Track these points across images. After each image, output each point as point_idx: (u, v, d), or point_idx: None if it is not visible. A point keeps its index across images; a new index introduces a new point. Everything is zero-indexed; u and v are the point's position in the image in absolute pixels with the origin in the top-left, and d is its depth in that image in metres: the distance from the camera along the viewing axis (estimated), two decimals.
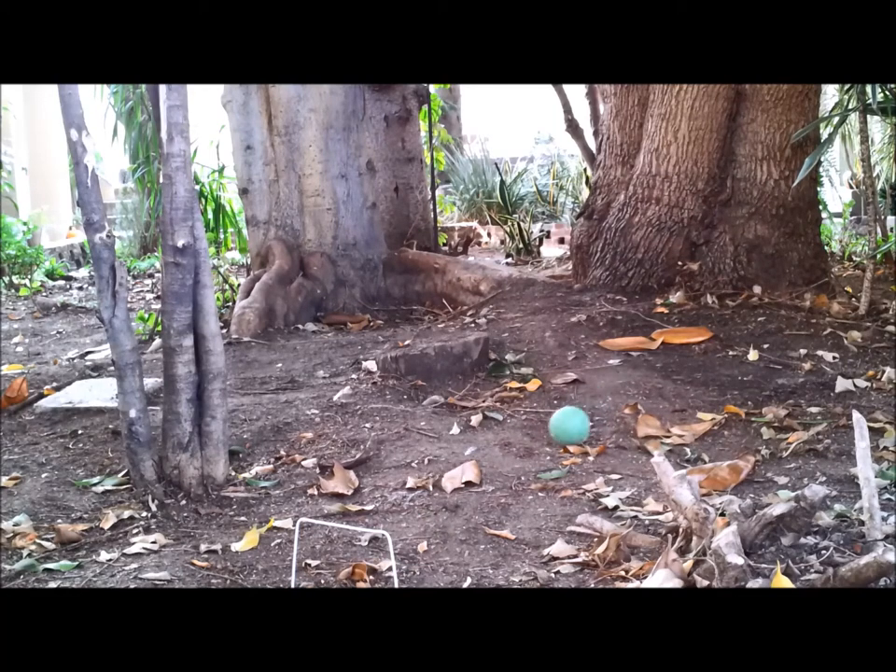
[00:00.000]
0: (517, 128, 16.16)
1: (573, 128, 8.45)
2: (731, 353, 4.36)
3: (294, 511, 2.89)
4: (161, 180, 2.98)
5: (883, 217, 6.81)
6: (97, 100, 8.75)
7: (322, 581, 2.38)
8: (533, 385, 3.98)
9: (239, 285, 6.24)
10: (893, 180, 8.05)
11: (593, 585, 2.30)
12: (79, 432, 3.62)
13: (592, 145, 7.90)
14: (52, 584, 2.40)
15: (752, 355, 4.28)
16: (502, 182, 11.09)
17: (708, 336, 4.57)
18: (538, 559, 2.48)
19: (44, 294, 7.90)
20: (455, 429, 3.53)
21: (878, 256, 5.93)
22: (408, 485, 3.02)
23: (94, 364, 4.80)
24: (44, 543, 2.65)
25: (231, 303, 6.12)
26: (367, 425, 3.57)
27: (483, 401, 3.83)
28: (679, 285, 5.35)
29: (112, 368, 2.99)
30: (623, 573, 2.32)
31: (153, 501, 2.90)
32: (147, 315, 5.87)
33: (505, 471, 3.13)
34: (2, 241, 8.05)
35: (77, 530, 2.74)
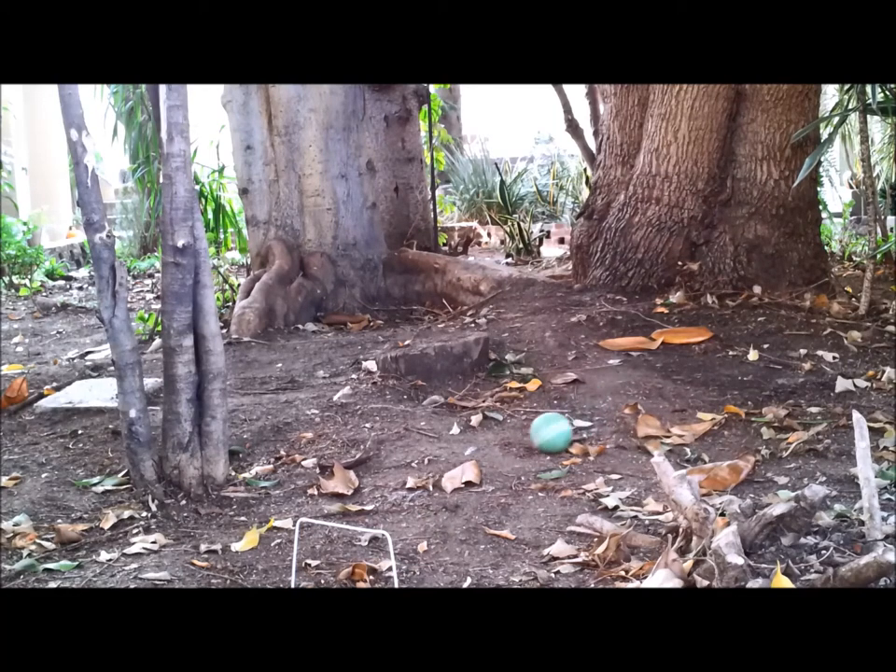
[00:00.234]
0: (517, 128, 16.16)
1: (573, 128, 8.45)
2: (731, 353, 4.36)
3: (294, 510, 2.89)
4: (161, 180, 2.98)
5: (883, 216, 6.81)
6: (97, 100, 8.75)
7: (322, 581, 2.38)
8: (533, 385, 3.98)
9: (239, 285, 6.24)
10: (893, 180, 8.05)
11: (593, 585, 2.30)
12: (79, 432, 3.62)
13: (592, 145, 7.90)
14: (52, 584, 2.40)
15: (752, 355, 4.28)
16: (502, 182, 11.09)
17: (708, 336, 4.57)
18: (538, 559, 2.48)
19: (44, 294, 7.90)
20: (455, 429, 3.53)
21: (878, 256, 5.93)
22: (408, 485, 3.02)
23: (94, 364, 4.80)
24: (44, 543, 2.65)
25: (231, 303, 6.12)
26: (367, 425, 3.57)
27: (483, 401, 3.83)
28: (679, 285, 5.35)
29: (112, 368, 2.99)
30: (623, 573, 2.32)
31: (153, 501, 2.90)
32: (146, 315, 5.87)
33: (505, 471, 3.13)
34: (2, 241, 8.05)
35: (77, 530, 2.74)
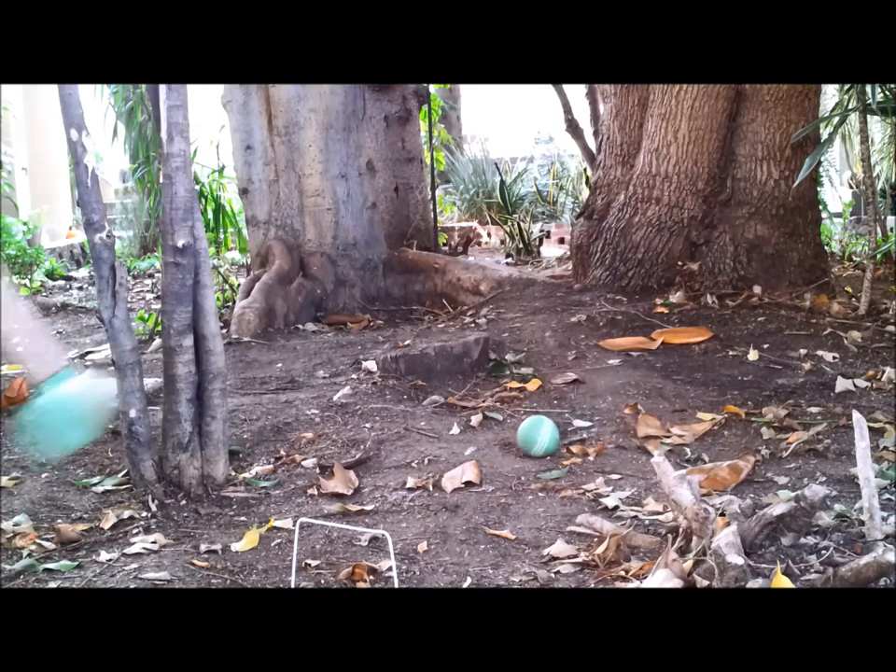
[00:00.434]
0: (517, 128, 16.17)
1: (573, 128, 8.45)
2: (731, 353, 4.36)
3: (294, 510, 2.89)
4: (161, 180, 2.98)
5: (883, 216, 6.81)
6: (97, 100, 8.75)
7: (322, 581, 2.38)
8: (533, 385, 3.98)
9: (239, 285, 6.24)
10: (893, 180, 8.05)
11: (593, 585, 2.30)
12: None
13: (592, 145, 7.90)
14: (52, 584, 2.40)
15: (752, 355, 4.28)
16: (502, 182, 11.09)
17: (708, 336, 4.57)
18: (538, 559, 2.48)
19: (44, 294, 7.90)
20: (455, 429, 3.53)
21: (878, 256, 5.93)
22: (408, 485, 3.02)
23: (94, 364, 4.80)
24: (44, 543, 2.65)
25: (230, 303, 6.12)
26: (367, 425, 3.57)
27: (483, 401, 3.83)
28: (679, 285, 5.35)
29: (112, 368, 2.99)
30: (623, 573, 2.32)
31: (153, 501, 2.90)
32: (146, 315, 5.87)
33: (505, 471, 3.13)
34: (2, 241, 8.05)
35: (77, 530, 2.74)
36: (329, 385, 4.10)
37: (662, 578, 2.10)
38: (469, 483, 3.02)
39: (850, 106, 5.43)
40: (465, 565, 2.45)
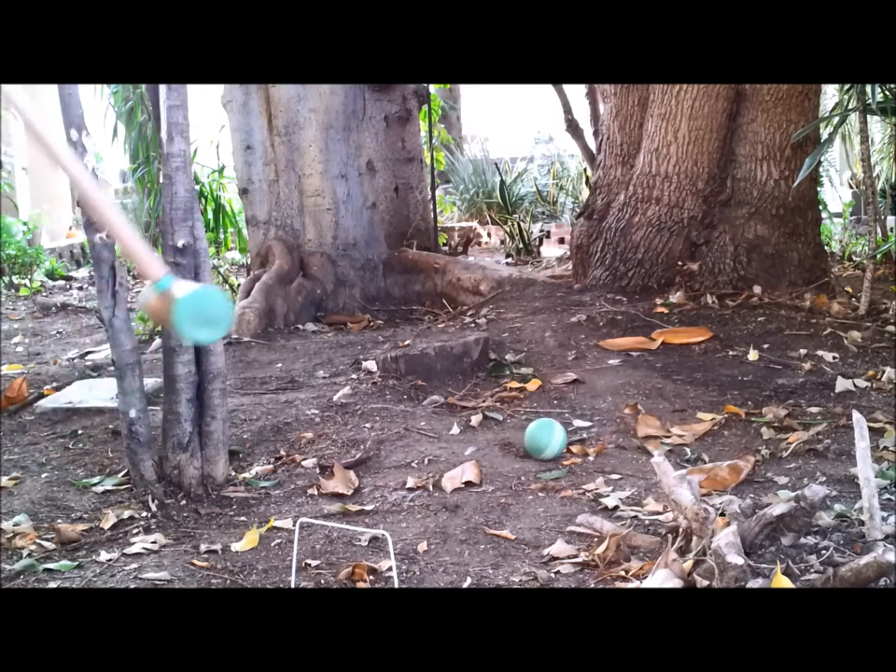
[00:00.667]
0: (517, 128, 16.18)
1: (573, 128, 8.45)
2: (731, 353, 4.36)
3: (294, 511, 2.89)
4: (161, 180, 2.98)
5: (883, 216, 6.81)
6: (97, 100, 8.74)
7: (322, 581, 2.38)
8: (533, 385, 3.99)
9: (239, 285, 6.24)
10: (893, 180, 8.05)
11: (593, 585, 2.30)
12: (79, 432, 3.62)
13: (592, 145, 7.90)
14: (52, 584, 2.40)
15: (752, 355, 4.28)
16: (502, 182, 11.09)
17: (708, 336, 4.57)
18: (538, 559, 2.47)
19: (44, 294, 7.90)
20: (455, 429, 3.53)
21: (878, 256, 5.93)
22: (408, 485, 3.02)
23: (94, 364, 4.80)
24: (44, 543, 2.65)
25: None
26: (367, 425, 3.57)
27: (483, 401, 3.83)
28: (679, 285, 5.35)
29: (112, 368, 2.99)
30: (623, 573, 2.32)
31: (153, 501, 2.90)
32: (147, 315, 5.86)
33: (505, 471, 3.13)
34: (2, 241, 8.05)
35: (77, 530, 2.74)
36: (329, 385, 4.10)
37: (662, 578, 2.10)
38: (468, 483, 3.02)
39: (850, 106, 5.43)
40: (465, 565, 2.45)
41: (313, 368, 4.46)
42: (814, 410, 3.59)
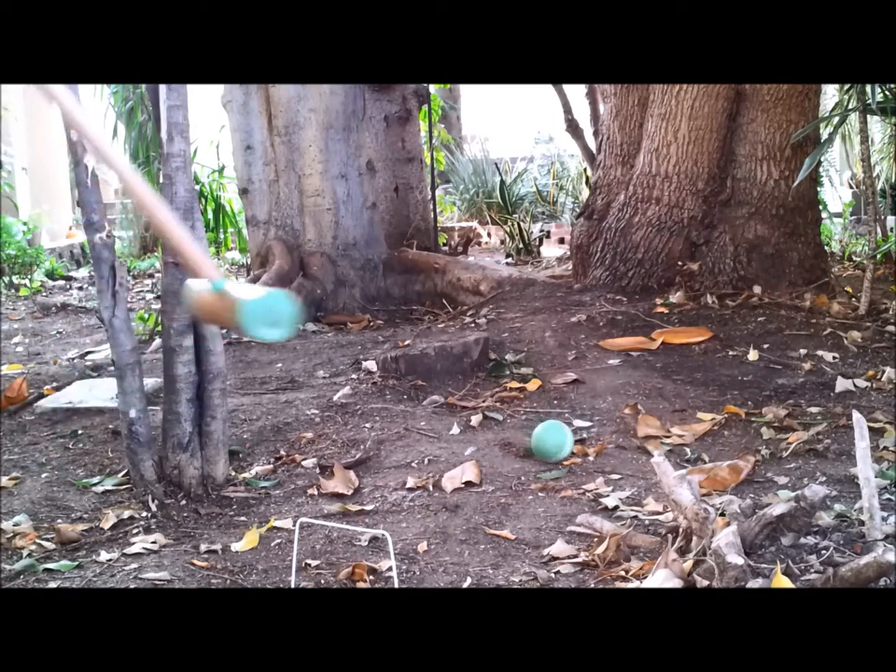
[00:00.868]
0: (517, 128, 16.17)
1: (573, 128, 8.45)
2: (731, 353, 4.36)
3: (294, 511, 2.89)
4: (161, 180, 2.98)
5: (883, 216, 6.81)
6: (97, 100, 8.75)
7: (322, 581, 2.38)
8: (533, 385, 3.99)
9: None
10: (893, 180, 8.05)
11: (593, 585, 2.30)
12: (79, 432, 3.62)
13: (592, 145, 7.90)
14: (52, 584, 2.40)
15: (752, 355, 4.28)
16: (502, 182, 11.09)
17: (708, 336, 4.57)
18: (538, 559, 2.47)
19: (44, 294, 7.90)
20: (455, 429, 3.53)
21: (878, 256, 5.93)
22: (408, 485, 3.02)
23: (94, 364, 4.80)
24: (44, 543, 2.65)
25: None
26: (367, 425, 3.57)
27: (483, 401, 3.83)
28: (679, 285, 5.35)
29: (112, 368, 2.99)
30: (623, 573, 2.32)
31: (153, 501, 2.90)
32: (146, 315, 5.87)
33: (505, 471, 3.13)
34: (2, 241, 8.05)
35: (77, 530, 2.74)
36: (329, 385, 4.10)
37: (662, 578, 2.10)
38: (469, 483, 3.02)
39: (850, 106, 5.43)
40: (465, 565, 2.45)
41: (313, 368, 4.46)
42: (814, 410, 3.59)
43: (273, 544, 2.64)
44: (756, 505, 2.40)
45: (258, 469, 3.23)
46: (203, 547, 2.61)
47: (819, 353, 4.26)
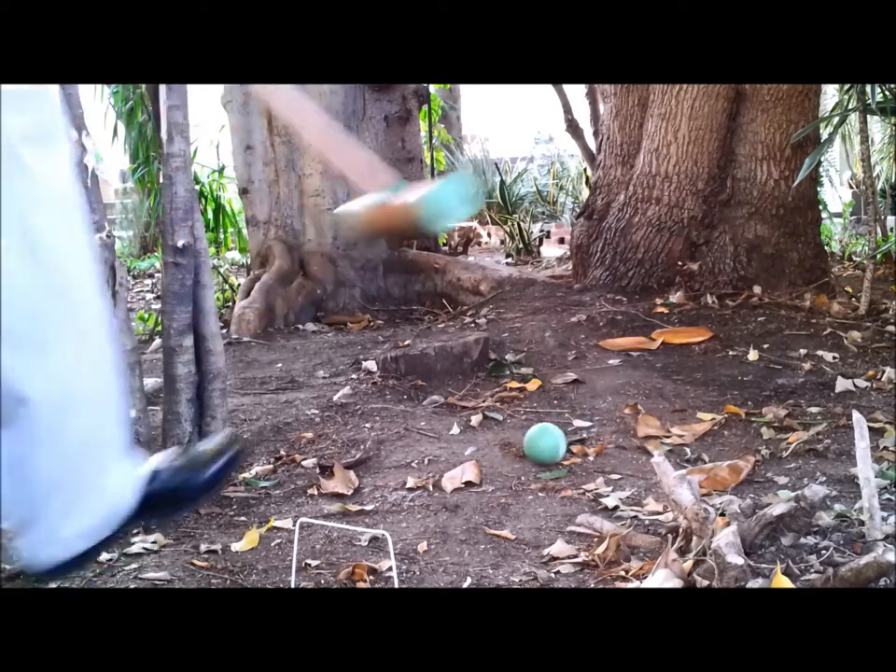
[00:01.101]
0: (517, 128, 16.18)
1: (573, 128, 8.45)
2: (731, 353, 4.36)
3: (294, 511, 2.89)
4: (161, 180, 2.98)
5: (883, 216, 6.81)
6: (97, 100, 8.74)
7: (322, 581, 2.38)
8: (533, 385, 3.99)
9: (239, 285, 6.24)
10: (893, 180, 8.05)
11: (593, 585, 2.30)
12: None
13: (592, 145, 7.90)
14: (52, 584, 2.40)
15: (752, 355, 4.28)
16: (502, 182, 11.09)
17: (708, 336, 4.57)
18: (538, 559, 2.47)
19: None
20: (455, 429, 3.53)
21: (878, 256, 5.93)
22: (408, 485, 3.02)
23: None
24: None
25: (230, 303, 6.12)
26: (367, 425, 3.57)
27: (483, 401, 3.83)
28: (679, 285, 5.35)
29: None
30: (623, 573, 2.32)
31: None
32: (146, 315, 5.87)
33: (505, 471, 3.13)
34: None
35: None
36: (329, 385, 4.10)
37: (662, 578, 2.10)
38: (469, 483, 3.02)
39: (850, 106, 5.43)
40: (465, 565, 2.45)
41: (313, 368, 4.46)
42: (814, 410, 3.59)
43: (273, 544, 2.64)
44: (756, 505, 2.40)
45: (258, 469, 3.23)
46: (202, 547, 2.61)
47: (819, 353, 4.26)
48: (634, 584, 2.23)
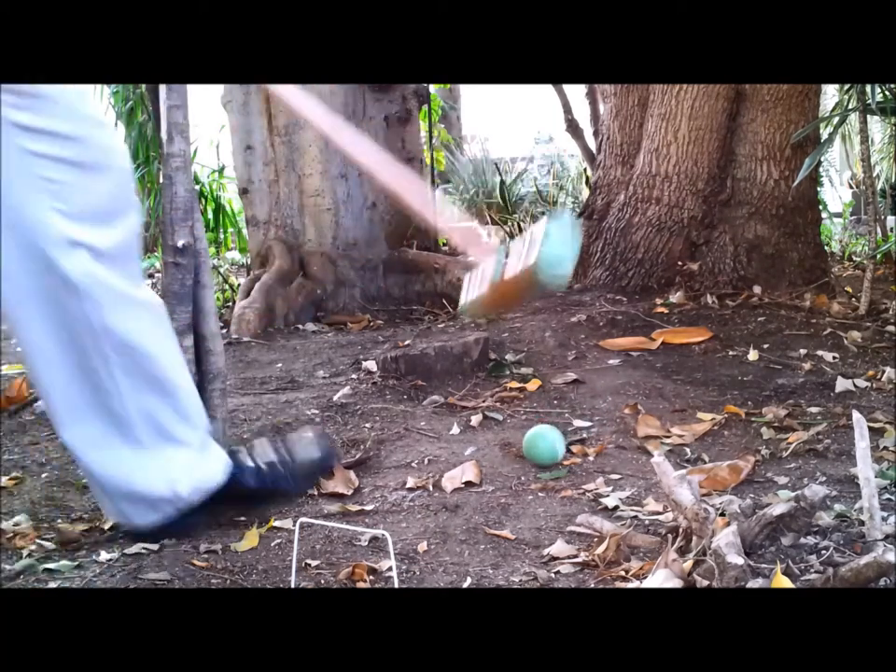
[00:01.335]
0: (517, 128, 16.18)
1: (573, 128, 8.44)
2: (731, 353, 4.36)
3: (294, 511, 2.89)
4: (161, 180, 2.98)
5: (883, 216, 6.81)
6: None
7: (322, 581, 2.38)
8: (533, 385, 3.99)
9: (239, 285, 6.24)
10: (893, 180, 8.05)
11: (593, 585, 2.30)
12: None
13: (592, 145, 7.90)
14: (52, 584, 2.40)
15: (752, 355, 4.28)
16: (502, 182, 11.09)
17: (708, 336, 4.57)
18: (538, 559, 2.47)
19: None
20: (455, 429, 3.53)
21: (878, 256, 5.94)
22: (408, 485, 3.01)
23: None
24: (44, 543, 2.65)
25: (230, 303, 6.12)
26: (367, 425, 3.57)
27: (483, 401, 3.83)
28: (679, 285, 5.35)
29: None
30: (623, 573, 2.32)
31: None
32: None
33: (505, 471, 3.13)
34: None
35: (77, 530, 2.74)
36: (329, 385, 4.10)
37: (662, 578, 2.10)
38: (469, 483, 3.02)
39: (850, 106, 5.43)
40: (465, 565, 2.45)
41: (313, 368, 4.46)
42: (814, 410, 3.59)
43: (273, 544, 2.64)
44: (756, 505, 2.40)
45: None
46: (202, 547, 2.61)
47: (819, 353, 4.26)
48: (634, 584, 2.23)
